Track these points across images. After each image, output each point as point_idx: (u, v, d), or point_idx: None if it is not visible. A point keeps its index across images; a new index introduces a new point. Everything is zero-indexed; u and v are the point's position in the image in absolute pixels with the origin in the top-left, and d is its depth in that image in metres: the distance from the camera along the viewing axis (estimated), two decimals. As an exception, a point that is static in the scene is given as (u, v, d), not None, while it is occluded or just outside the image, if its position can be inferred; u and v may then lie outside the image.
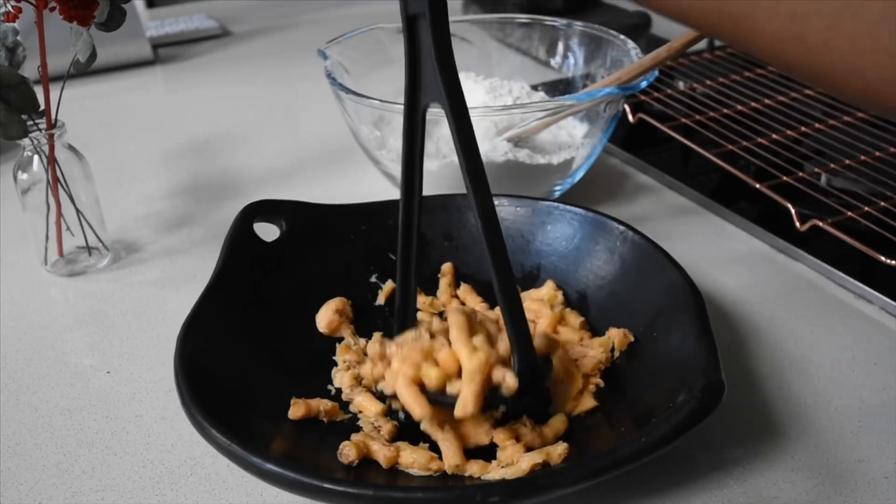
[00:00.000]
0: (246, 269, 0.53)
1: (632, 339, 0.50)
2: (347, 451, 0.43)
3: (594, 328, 0.52)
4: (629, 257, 0.53)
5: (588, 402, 0.46)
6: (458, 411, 0.41)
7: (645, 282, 0.51)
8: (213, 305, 0.49)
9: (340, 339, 0.53)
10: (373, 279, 0.57)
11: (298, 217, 0.57)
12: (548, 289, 0.55)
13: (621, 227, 0.54)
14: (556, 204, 0.57)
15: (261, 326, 0.51)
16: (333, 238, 0.57)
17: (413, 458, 0.43)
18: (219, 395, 0.43)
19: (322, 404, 0.47)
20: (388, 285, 0.57)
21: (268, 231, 0.56)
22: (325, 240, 0.57)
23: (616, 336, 0.50)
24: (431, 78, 0.41)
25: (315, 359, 0.51)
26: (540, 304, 0.54)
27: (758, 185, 0.65)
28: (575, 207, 0.57)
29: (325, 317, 0.53)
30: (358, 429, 0.47)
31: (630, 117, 0.77)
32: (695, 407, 0.39)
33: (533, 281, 0.57)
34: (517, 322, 0.42)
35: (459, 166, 0.41)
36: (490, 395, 0.42)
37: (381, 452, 0.43)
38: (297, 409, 0.46)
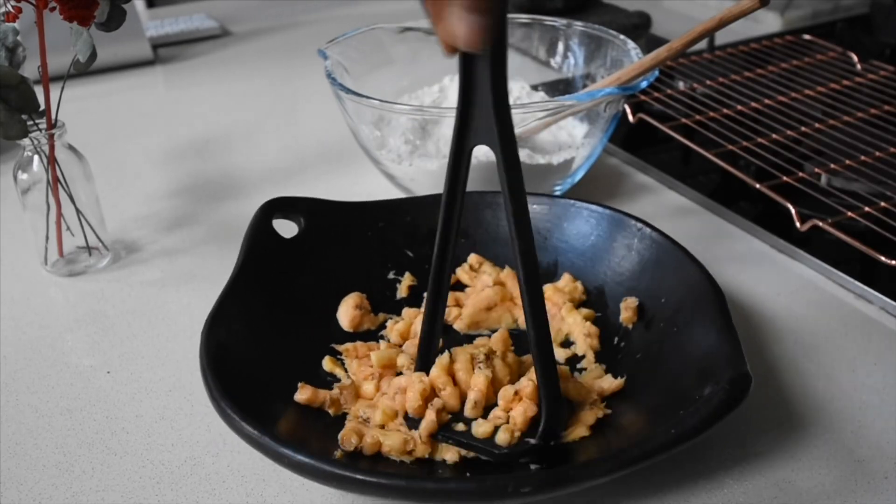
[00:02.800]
0: (266, 266, 0.53)
1: (635, 315, 0.51)
2: (349, 438, 0.43)
3: (611, 325, 0.52)
4: (647, 254, 0.53)
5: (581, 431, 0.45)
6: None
7: (664, 278, 0.51)
8: (234, 301, 0.50)
9: (361, 335, 0.54)
10: (390, 275, 0.57)
11: (317, 214, 0.58)
12: (565, 281, 0.55)
13: (639, 224, 0.54)
14: (572, 201, 0.58)
15: (281, 321, 0.51)
16: (351, 235, 0.58)
17: (389, 446, 0.43)
18: (244, 389, 0.44)
19: (329, 395, 0.47)
20: (407, 278, 0.57)
21: (286, 228, 0.56)
22: (342, 237, 0.57)
23: (627, 308, 0.51)
24: (484, 119, 0.39)
25: (334, 353, 0.51)
26: (561, 296, 0.54)
27: (758, 185, 0.65)
28: (592, 205, 0.57)
29: (347, 314, 0.54)
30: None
31: (630, 117, 0.77)
32: (723, 398, 0.40)
33: (550, 278, 0.57)
34: (550, 379, 0.43)
35: (504, 211, 0.41)
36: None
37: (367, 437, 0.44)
38: (303, 394, 0.46)
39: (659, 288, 0.51)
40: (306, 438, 0.43)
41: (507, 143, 0.40)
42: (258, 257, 0.53)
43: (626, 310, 0.52)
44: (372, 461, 0.43)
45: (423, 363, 0.47)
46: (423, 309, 0.47)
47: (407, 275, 0.58)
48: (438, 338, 0.47)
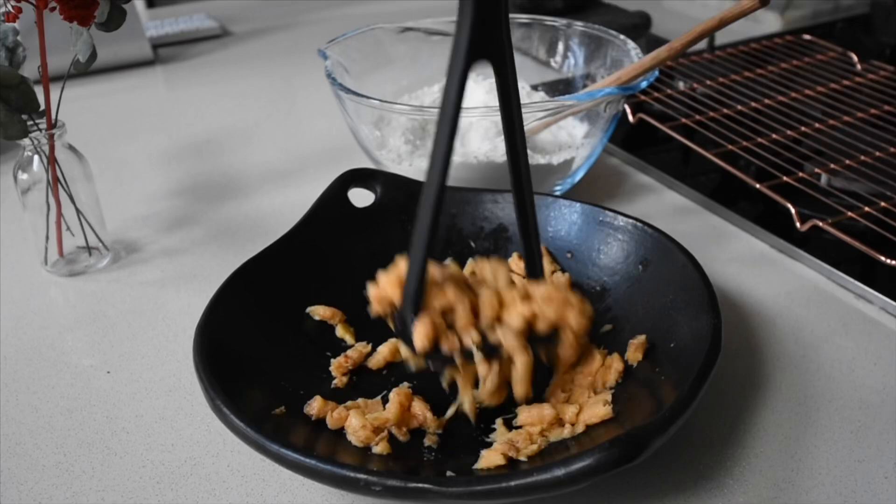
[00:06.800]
0: (328, 229, 0.56)
1: (640, 354, 0.48)
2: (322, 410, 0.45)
3: (618, 337, 0.51)
4: (680, 299, 0.50)
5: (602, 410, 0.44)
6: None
7: (674, 297, 0.50)
8: (280, 256, 0.53)
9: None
10: (446, 262, 0.58)
11: (392, 188, 0.59)
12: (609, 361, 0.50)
13: (657, 235, 0.53)
14: (595, 207, 0.57)
15: (313, 290, 0.54)
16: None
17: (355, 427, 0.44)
18: (230, 358, 0.46)
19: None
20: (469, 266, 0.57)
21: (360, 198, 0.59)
22: (410, 214, 0.57)
23: (633, 346, 0.49)
24: (494, 36, 0.40)
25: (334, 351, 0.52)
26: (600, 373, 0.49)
27: (758, 185, 0.65)
28: (613, 213, 0.56)
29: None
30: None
31: (630, 117, 0.77)
32: (605, 459, 0.36)
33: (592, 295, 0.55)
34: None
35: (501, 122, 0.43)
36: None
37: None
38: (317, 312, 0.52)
39: (666, 306, 0.49)
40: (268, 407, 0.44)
41: (510, 56, 0.41)
42: (321, 221, 0.56)
43: (631, 347, 0.49)
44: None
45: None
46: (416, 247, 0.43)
47: (470, 261, 0.57)
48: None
